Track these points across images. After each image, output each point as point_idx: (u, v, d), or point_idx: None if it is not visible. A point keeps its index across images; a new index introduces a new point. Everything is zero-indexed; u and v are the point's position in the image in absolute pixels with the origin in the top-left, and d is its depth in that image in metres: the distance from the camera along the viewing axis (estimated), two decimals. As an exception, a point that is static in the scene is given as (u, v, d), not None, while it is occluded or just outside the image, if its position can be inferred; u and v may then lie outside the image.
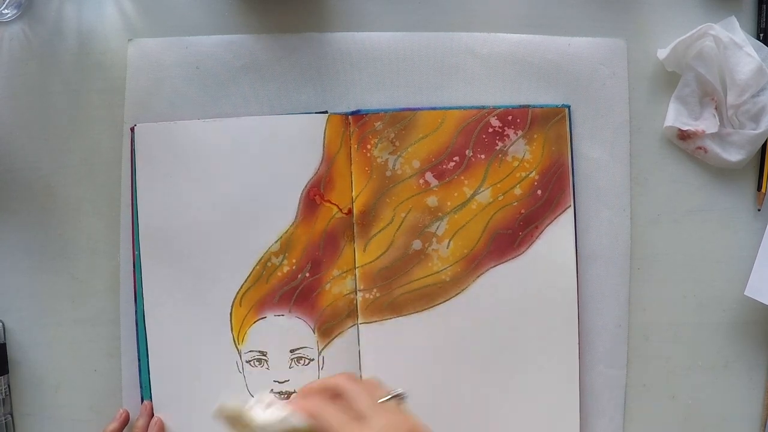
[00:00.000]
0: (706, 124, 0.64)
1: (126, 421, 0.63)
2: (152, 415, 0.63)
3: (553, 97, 0.65)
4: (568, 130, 0.64)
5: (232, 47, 0.64)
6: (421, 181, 0.63)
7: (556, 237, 0.63)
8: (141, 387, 0.63)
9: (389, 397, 0.53)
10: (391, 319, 0.63)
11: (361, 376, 0.63)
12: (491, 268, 0.63)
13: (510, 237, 0.63)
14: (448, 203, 0.63)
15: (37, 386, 0.64)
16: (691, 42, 0.63)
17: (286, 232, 0.62)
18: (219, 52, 0.64)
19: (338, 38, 0.65)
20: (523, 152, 0.63)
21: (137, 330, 0.63)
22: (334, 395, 0.54)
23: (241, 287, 0.62)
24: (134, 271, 0.63)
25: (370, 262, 0.63)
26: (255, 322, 0.63)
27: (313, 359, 0.63)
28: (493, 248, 0.63)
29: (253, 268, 0.62)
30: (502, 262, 0.63)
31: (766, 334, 0.66)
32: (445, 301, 0.63)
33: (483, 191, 0.63)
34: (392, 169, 0.63)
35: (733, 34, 0.63)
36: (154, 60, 0.64)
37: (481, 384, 0.63)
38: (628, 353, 0.65)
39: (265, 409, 0.52)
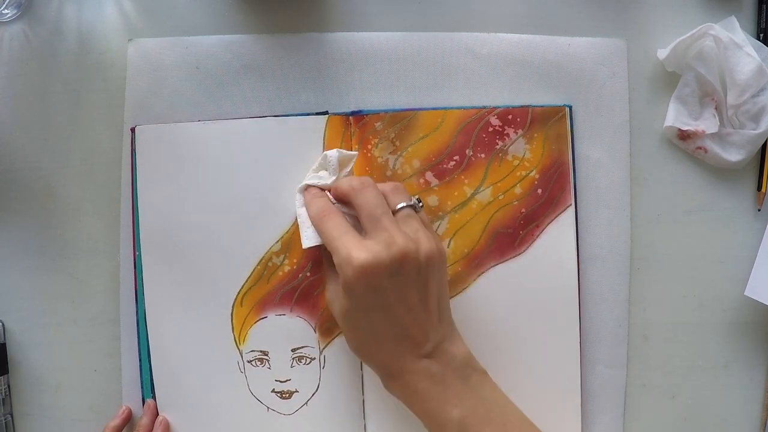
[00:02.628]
0: (706, 124, 0.64)
1: (128, 418, 0.63)
2: (156, 413, 0.63)
3: (553, 97, 0.65)
4: (568, 128, 0.64)
5: (232, 47, 0.64)
6: (422, 180, 0.63)
7: (557, 236, 0.63)
8: (142, 387, 0.63)
9: (400, 206, 0.54)
10: (391, 318, 0.63)
11: (362, 376, 0.63)
12: (492, 267, 0.63)
13: (510, 236, 0.63)
14: (449, 202, 0.63)
15: (37, 386, 0.64)
16: (691, 42, 0.63)
17: (287, 232, 0.62)
18: (219, 52, 0.64)
19: (338, 38, 0.65)
20: (523, 151, 0.63)
21: (138, 330, 0.63)
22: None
23: (242, 287, 0.62)
24: (135, 271, 0.63)
25: (371, 261, 0.63)
26: (256, 322, 0.62)
27: (314, 358, 0.63)
28: (494, 247, 0.63)
29: (254, 268, 0.62)
30: (503, 261, 0.63)
31: (766, 334, 0.66)
32: (445, 301, 0.63)
33: (483, 190, 0.63)
34: (393, 168, 0.63)
35: (733, 34, 0.63)
36: (154, 60, 0.64)
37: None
38: (628, 353, 0.65)
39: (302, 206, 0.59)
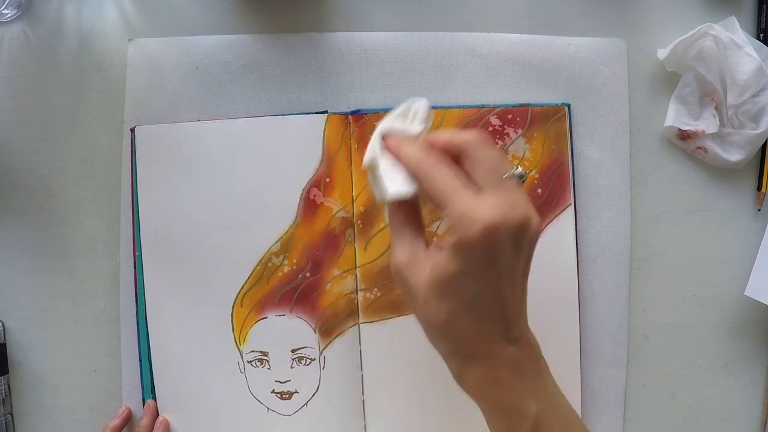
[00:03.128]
0: (706, 124, 0.64)
1: (128, 418, 0.63)
2: (156, 414, 0.63)
3: (553, 97, 0.65)
4: (568, 128, 0.64)
5: (232, 47, 0.64)
6: (422, 180, 0.63)
7: (557, 235, 0.63)
8: (142, 387, 0.63)
9: (512, 173, 0.46)
10: (392, 318, 0.63)
11: (362, 376, 0.63)
12: (492, 267, 0.63)
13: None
14: (449, 203, 0.63)
15: (37, 386, 0.64)
16: (691, 42, 0.63)
17: (286, 232, 0.62)
18: (219, 52, 0.64)
19: (338, 38, 0.65)
20: (523, 151, 0.63)
21: (138, 330, 0.63)
22: (457, 155, 0.48)
23: (242, 288, 0.62)
24: (135, 271, 0.63)
25: (371, 261, 0.63)
26: (256, 322, 0.63)
27: (314, 359, 0.63)
28: (494, 247, 0.63)
29: (254, 268, 0.62)
30: (503, 262, 0.63)
31: (766, 334, 0.66)
32: (445, 301, 0.63)
33: (483, 190, 0.63)
34: (393, 168, 0.63)
35: (733, 34, 0.63)
36: (154, 60, 0.64)
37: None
38: (628, 353, 0.65)
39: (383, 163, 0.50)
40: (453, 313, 0.46)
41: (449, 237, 0.45)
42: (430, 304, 0.46)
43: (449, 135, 0.48)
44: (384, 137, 0.51)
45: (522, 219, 0.44)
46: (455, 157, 0.48)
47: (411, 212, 0.49)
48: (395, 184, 0.49)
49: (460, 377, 0.49)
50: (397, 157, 0.49)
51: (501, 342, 0.47)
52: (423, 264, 0.47)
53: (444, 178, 0.46)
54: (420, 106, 0.52)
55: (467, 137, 0.47)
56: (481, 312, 0.46)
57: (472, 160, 0.47)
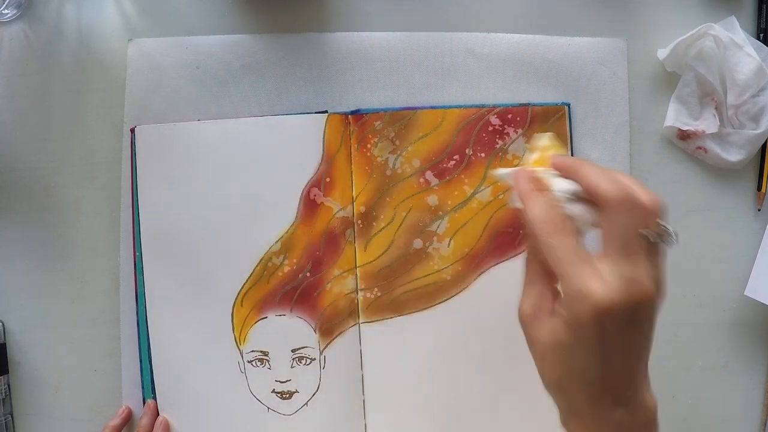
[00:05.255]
0: (706, 124, 0.64)
1: (128, 418, 0.63)
2: (157, 414, 0.63)
3: (553, 97, 0.65)
4: (567, 128, 0.64)
5: (232, 47, 0.64)
6: (422, 180, 0.63)
7: (557, 236, 0.63)
8: (142, 387, 0.63)
9: (647, 232, 0.43)
10: (392, 318, 0.63)
11: (362, 376, 0.63)
12: (492, 266, 0.63)
13: (510, 235, 0.63)
14: (449, 202, 0.63)
15: (37, 386, 0.64)
16: (691, 42, 0.64)
17: (286, 232, 0.62)
18: (219, 52, 0.64)
19: (338, 38, 0.65)
20: (523, 150, 0.63)
21: (138, 330, 0.63)
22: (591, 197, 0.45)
23: (242, 287, 0.62)
24: (135, 271, 0.63)
25: (371, 261, 0.63)
26: (256, 322, 0.62)
27: (314, 359, 0.62)
28: (494, 246, 0.63)
29: (254, 268, 0.62)
30: (503, 261, 0.63)
31: (766, 334, 0.66)
32: (446, 300, 0.63)
33: (483, 190, 0.63)
34: (392, 168, 0.63)
35: (733, 34, 0.63)
36: (154, 60, 0.64)
37: (482, 382, 0.63)
38: (628, 353, 0.65)
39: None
40: (565, 375, 0.46)
41: (564, 310, 0.44)
42: (546, 361, 0.47)
43: (600, 184, 0.44)
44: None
45: (640, 299, 0.42)
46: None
47: (546, 263, 0.46)
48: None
49: (564, 425, 0.49)
50: (525, 210, 0.47)
51: (607, 404, 0.45)
52: (545, 323, 0.46)
53: (566, 247, 0.44)
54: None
55: (610, 191, 0.43)
56: (588, 380, 0.45)
57: (608, 220, 0.44)
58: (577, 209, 0.45)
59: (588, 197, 0.45)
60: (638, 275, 0.42)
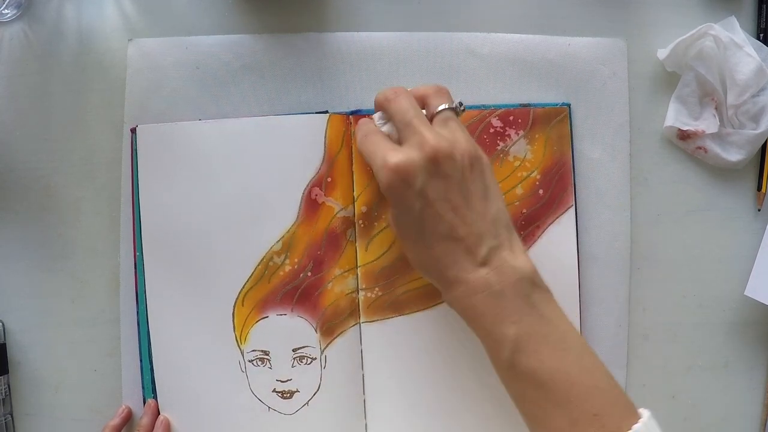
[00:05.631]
0: (706, 124, 0.64)
1: (128, 417, 0.63)
2: (157, 413, 0.63)
3: (554, 97, 0.65)
4: (569, 129, 0.64)
5: (232, 47, 0.64)
6: (423, 180, 0.63)
7: (558, 236, 0.63)
8: (143, 387, 0.63)
9: (441, 108, 0.53)
10: (393, 318, 0.63)
11: (363, 376, 0.63)
12: (493, 266, 0.63)
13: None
14: (450, 202, 0.63)
15: (37, 386, 0.64)
16: (691, 42, 0.64)
17: (287, 231, 0.62)
18: (219, 52, 0.64)
19: (338, 38, 0.65)
20: (524, 152, 0.63)
21: (139, 330, 0.63)
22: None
23: (243, 287, 0.62)
24: (135, 271, 0.63)
25: (372, 261, 0.63)
26: (257, 321, 0.62)
27: (315, 358, 0.62)
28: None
29: (255, 267, 0.62)
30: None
31: (766, 334, 0.66)
32: (446, 300, 0.63)
33: (484, 191, 0.63)
34: (393, 168, 0.63)
35: (733, 34, 0.63)
36: (154, 60, 0.64)
37: (482, 382, 0.63)
38: (628, 353, 0.65)
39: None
40: (414, 248, 0.54)
41: (380, 187, 0.52)
42: (403, 248, 0.55)
43: (376, 97, 0.56)
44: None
45: (430, 153, 0.50)
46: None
47: None
48: None
49: (449, 304, 0.54)
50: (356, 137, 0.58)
51: (469, 266, 0.51)
52: (391, 219, 0.55)
53: (369, 143, 0.54)
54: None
55: (383, 95, 0.55)
56: (433, 239, 0.52)
57: (390, 115, 0.54)
58: (386, 127, 0.56)
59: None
60: (423, 137, 0.51)
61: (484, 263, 0.51)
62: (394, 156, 0.50)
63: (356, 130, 0.58)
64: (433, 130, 0.52)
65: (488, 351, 0.52)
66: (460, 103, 0.55)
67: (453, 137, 0.52)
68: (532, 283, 0.52)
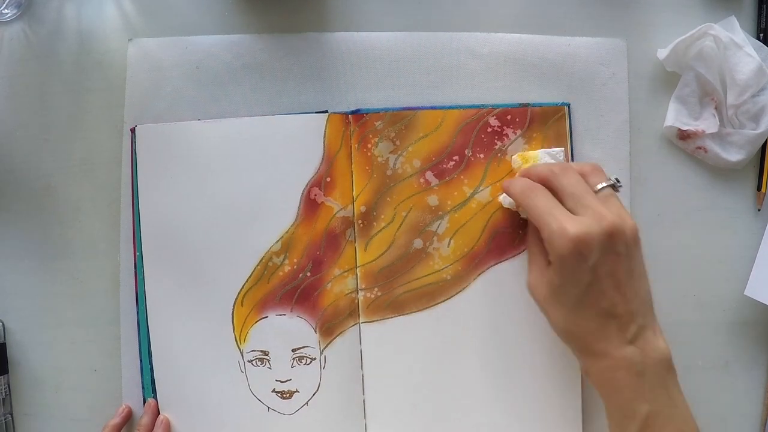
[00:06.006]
0: (706, 124, 0.64)
1: (128, 417, 0.63)
2: (157, 413, 0.63)
3: (553, 97, 0.65)
4: (567, 128, 0.64)
5: (232, 47, 0.64)
6: (422, 180, 0.63)
7: (557, 236, 0.63)
8: (143, 387, 0.63)
9: (601, 186, 0.54)
10: (392, 318, 0.63)
11: (362, 375, 0.63)
12: (492, 266, 0.63)
13: (510, 236, 0.63)
14: (449, 202, 0.63)
15: (37, 386, 0.64)
16: (691, 42, 0.64)
17: (287, 231, 0.62)
18: (219, 52, 0.64)
19: (338, 38, 0.65)
20: (522, 151, 0.63)
21: (139, 330, 0.63)
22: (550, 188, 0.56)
23: (243, 287, 0.62)
24: (135, 271, 0.63)
25: (371, 261, 0.63)
26: (256, 321, 0.62)
27: (314, 358, 0.62)
28: (493, 247, 0.63)
29: (255, 267, 0.62)
30: (503, 261, 0.63)
31: (766, 334, 0.66)
32: (446, 300, 0.63)
33: (482, 190, 0.63)
34: (393, 168, 0.63)
35: (733, 34, 0.63)
36: (154, 60, 0.64)
37: (482, 382, 0.63)
38: (628, 353, 0.65)
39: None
40: (568, 317, 0.53)
41: (550, 254, 0.53)
42: (551, 312, 0.55)
43: (537, 168, 0.57)
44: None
45: (608, 228, 0.51)
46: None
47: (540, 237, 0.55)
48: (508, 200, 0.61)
49: (585, 373, 0.55)
50: (506, 190, 0.59)
51: (617, 342, 0.52)
52: (543, 279, 0.55)
53: (541, 202, 0.54)
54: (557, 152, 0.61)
55: (548, 168, 0.56)
56: (590, 314, 0.52)
57: (556, 188, 0.55)
58: (507, 201, 0.59)
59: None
60: (599, 212, 0.52)
61: (632, 341, 0.52)
62: (573, 225, 0.51)
63: (512, 183, 0.58)
64: (605, 206, 0.53)
65: (613, 422, 0.54)
66: (617, 180, 0.56)
67: (620, 213, 0.53)
68: (669, 365, 0.54)
